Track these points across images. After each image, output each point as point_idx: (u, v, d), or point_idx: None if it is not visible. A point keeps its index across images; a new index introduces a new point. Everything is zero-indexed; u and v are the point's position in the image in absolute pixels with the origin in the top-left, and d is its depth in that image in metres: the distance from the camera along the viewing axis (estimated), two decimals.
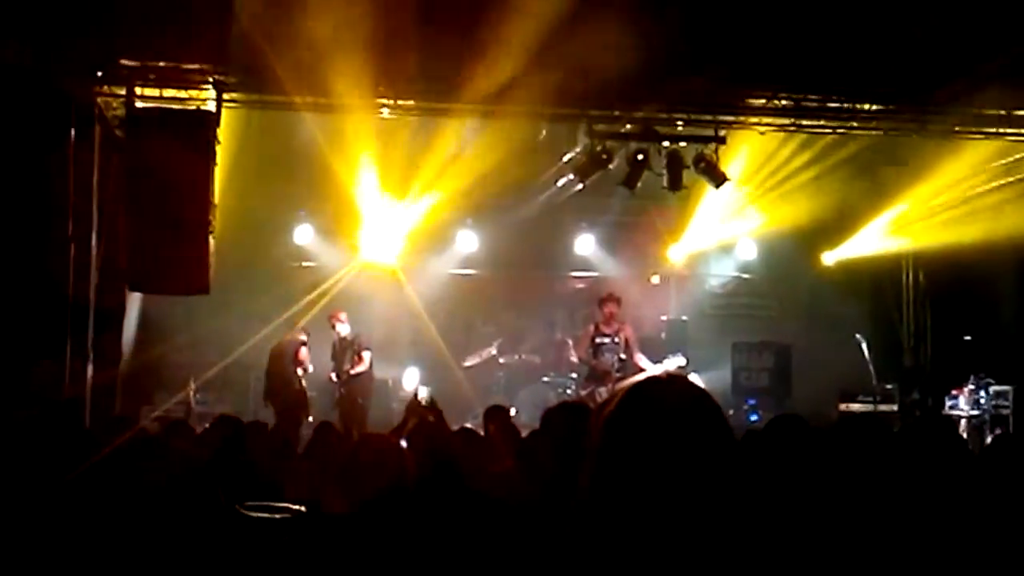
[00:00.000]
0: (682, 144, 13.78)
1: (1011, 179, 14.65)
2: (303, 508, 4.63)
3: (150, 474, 5.09)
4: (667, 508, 2.27)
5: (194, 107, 12.00)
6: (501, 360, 17.35)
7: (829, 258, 17.99)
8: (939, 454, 5.05)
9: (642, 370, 13.85)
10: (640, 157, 13.64)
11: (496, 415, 8.96)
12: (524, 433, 9.10)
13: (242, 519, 4.39)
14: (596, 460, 2.36)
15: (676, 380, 2.48)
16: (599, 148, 13.54)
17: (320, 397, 15.28)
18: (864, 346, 15.43)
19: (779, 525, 2.99)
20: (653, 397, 2.39)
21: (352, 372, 14.71)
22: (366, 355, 14.86)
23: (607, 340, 14.15)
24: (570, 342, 14.56)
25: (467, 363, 17.28)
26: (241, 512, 4.43)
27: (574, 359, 14.88)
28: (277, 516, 4.45)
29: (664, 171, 13.79)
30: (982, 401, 14.90)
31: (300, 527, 4.34)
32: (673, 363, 14.24)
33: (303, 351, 14.65)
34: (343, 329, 14.99)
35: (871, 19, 11.59)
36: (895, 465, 4.96)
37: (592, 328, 14.44)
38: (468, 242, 17.75)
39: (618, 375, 13.72)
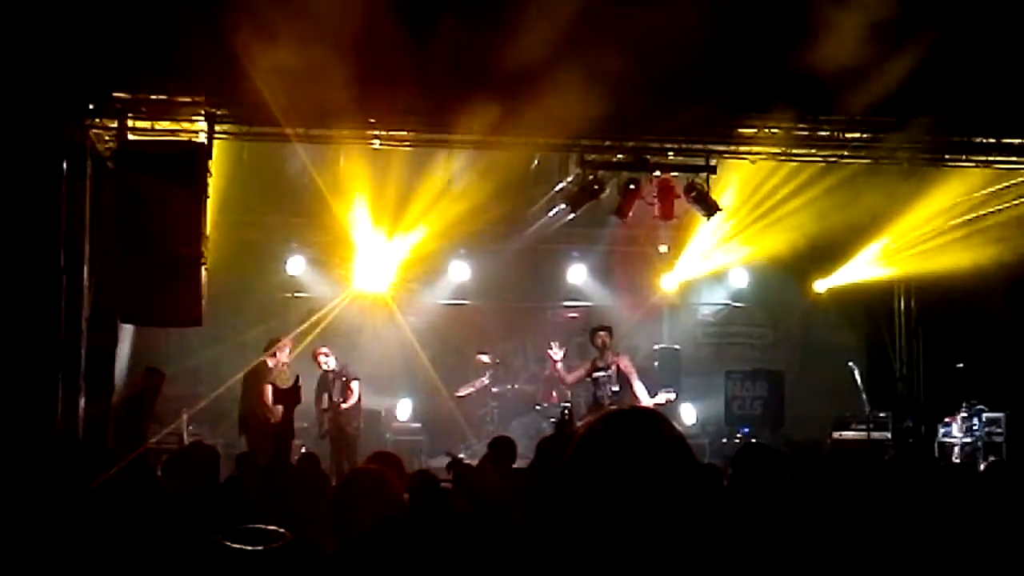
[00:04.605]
0: (673, 174, 13.82)
1: (1001, 206, 14.70)
2: (286, 532, 4.60)
3: (139, 507, 5.06)
4: (626, 532, 2.29)
5: (186, 139, 12.02)
6: (494, 390, 17.32)
7: (821, 286, 18.02)
8: (930, 482, 5.07)
9: (639, 401, 13.85)
10: (632, 187, 13.68)
11: (500, 445, 8.97)
12: (518, 462, 9.14)
13: (225, 551, 4.36)
14: (564, 487, 2.40)
15: (639, 413, 2.51)
16: (591, 178, 13.57)
17: (310, 428, 15.24)
18: (857, 374, 15.46)
19: (750, 549, 3.00)
20: (610, 429, 2.43)
21: (344, 405, 14.62)
22: (355, 385, 14.78)
23: (602, 373, 14.18)
24: (560, 367, 14.43)
25: (460, 393, 17.25)
26: (224, 544, 4.40)
27: (567, 378, 14.76)
28: (261, 547, 4.42)
29: (656, 200, 13.82)
30: (975, 428, 14.90)
31: (286, 559, 4.31)
32: (663, 397, 14.20)
33: (268, 393, 13.77)
34: (329, 362, 14.87)
35: (861, 48, 11.65)
36: (882, 493, 4.98)
37: (590, 364, 14.43)
38: (461, 272, 17.79)
39: (612, 407, 13.66)
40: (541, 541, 2.84)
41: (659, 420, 2.48)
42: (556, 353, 14.46)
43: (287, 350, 14.42)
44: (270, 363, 14.19)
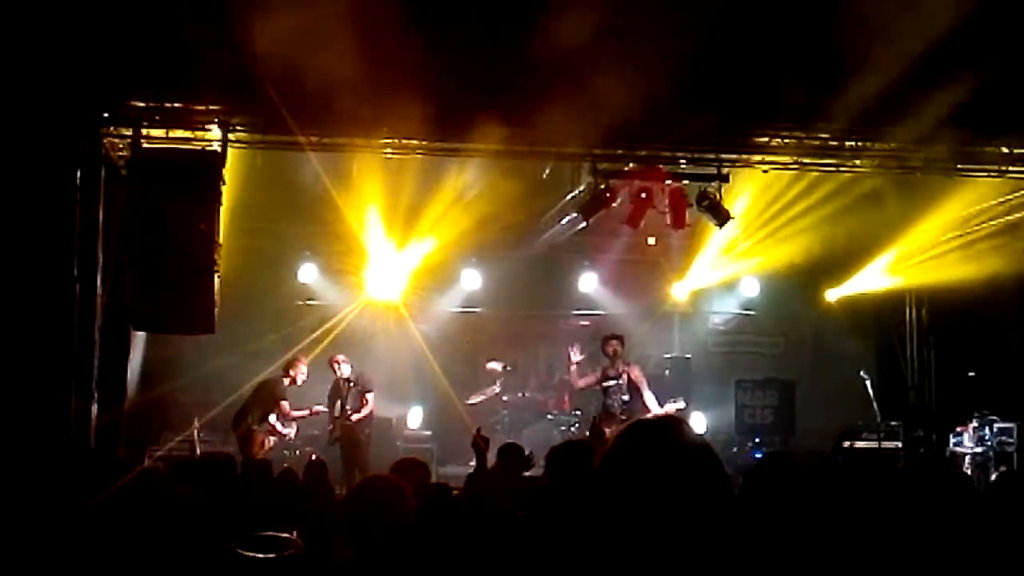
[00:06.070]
0: (685, 182, 13.82)
1: (1013, 216, 14.67)
2: (296, 537, 4.62)
3: (150, 515, 5.09)
4: (656, 539, 2.30)
5: (200, 147, 12.07)
6: (505, 398, 17.32)
7: (832, 295, 18.00)
8: (942, 492, 5.05)
9: (649, 410, 13.84)
10: (643, 196, 13.68)
11: (510, 453, 8.96)
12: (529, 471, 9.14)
13: (238, 559, 4.39)
14: (593, 496, 2.41)
15: (668, 422, 2.52)
16: (603, 187, 13.59)
17: (321, 435, 15.27)
18: (868, 383, 15.42)
19: (772, 561, 3.01)
20: (644, 439, 2.44)
21: (354, 417, 14.66)
22: (370, 397, 14.83)
23: (613, 382, 14.20)
24: (574, 369, 14.46)
25: (471, 401, 17.25)
26: (236, 551, 4.42)
27: (577, 383, 14.82)
28: (273, 555, 4.45)
29: (668, 209, 13.82)
30: (986, 438, 14.84)
31: (298, 567, 4.33)
32: (672, 406, 14.20)
33: (285, 407, 14.34)
34: (344, 370, 14.92)
35: (873, 57, 11.64)
36: (894, 502, 4.96)
37: (600, 372, 14.45)
38: (472, 280, 17.77)
39: (623, 417, 13.69)
40: (555, 548, 2.86)
41: (686, 428, 2.50)
42: (575, 355, 14.51)
43: (304, 370, 14.51)
44: (285, 382, 14.32)
